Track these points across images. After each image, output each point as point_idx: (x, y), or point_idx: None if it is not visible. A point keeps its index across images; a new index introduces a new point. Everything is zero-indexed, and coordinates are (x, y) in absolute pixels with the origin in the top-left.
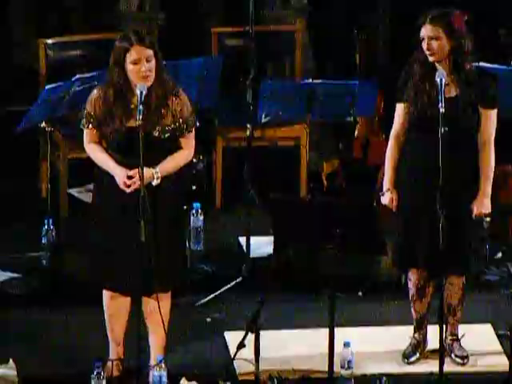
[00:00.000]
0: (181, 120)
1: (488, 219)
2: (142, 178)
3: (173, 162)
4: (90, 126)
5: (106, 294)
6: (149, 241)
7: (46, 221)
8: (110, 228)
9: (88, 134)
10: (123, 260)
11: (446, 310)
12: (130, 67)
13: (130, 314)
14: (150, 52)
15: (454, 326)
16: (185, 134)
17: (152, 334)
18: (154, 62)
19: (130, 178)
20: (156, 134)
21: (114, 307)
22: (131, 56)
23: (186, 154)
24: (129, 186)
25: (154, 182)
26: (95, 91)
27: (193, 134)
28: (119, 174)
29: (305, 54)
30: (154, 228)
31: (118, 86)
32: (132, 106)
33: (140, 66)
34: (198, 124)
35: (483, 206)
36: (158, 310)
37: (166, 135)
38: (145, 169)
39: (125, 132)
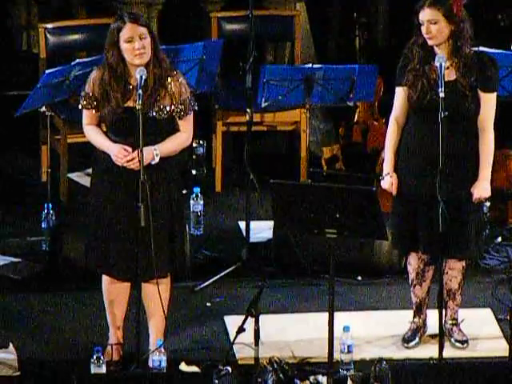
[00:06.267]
0: (179, 102)
1: (488, 203)
2: (141, 161)
3: (172, 144)
4: (89, 106)
5: (105, 278)
6: (147, 226)
7: (45, 205)
8: (108, 212)
9: (87, 116)
10: (121, 246)
11: (446, 294)
12: (124, 46)
13: (130, 299)
14: (144, 30)
15: (454, 311)
16: (183, 116)
17: (151, 319)
18: (148, 40)
19: (125, 150)
20: (153, 114)
21: (114, 292)
22: (124, 34)
23: (184, 136)
24: (128, 161)
25: (154, 161)
26: (94, 72)
27: (191, 117)
28: (114, 149)
29: (305, 39)
30: (153, 213)
31: (113, 67)
32: (129, 87)
33: (134, 44)
34: (196, 107)
35: (483, 190)
36: (157, 295)
37: (163, 116)
38: (144, 147)
39: (122, 112)
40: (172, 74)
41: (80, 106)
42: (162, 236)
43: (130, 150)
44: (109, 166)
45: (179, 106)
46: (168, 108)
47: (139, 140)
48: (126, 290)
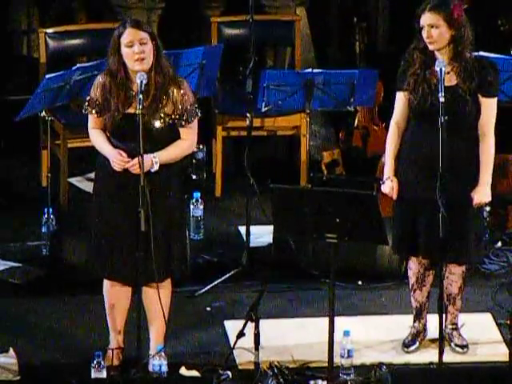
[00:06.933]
0: (181, 110)
1: (488, 208)
2: (142, 166)
3: (173, 151)
4: (92, 111)
5: (106, 283)
6: (148, 231)
7: (45, 210)
8: (109, 217)
9: (91, 120)
10: (122, 249)
11: (446, 299)
12: (124, 51)
13: (131, 303)
14: (144, 35)
15: (454, 315)
16: (186, 124)
17: (152, 323)
18: (149, 45)
19: (121, 155)
20: (155, 122)
21: (115, 296)
22: (125, 39)
23: (187, 144)
24: (124, 169)
25: (153, 169)
26: (99, 77)
27: (194, 124)
28: (112, 155)
29: (305, 44)
30: (153, 218)
31: (113, 73)
32: (132, 93)
33: (134, 48)
34: (200, 115)
35: (483, 194)
36: (158, 300)
37: (165, 124)
38: (144, 155)
39: (122, 118)
40: (175, 82)
41: (84, 111)
42: (162, 241)
43: (125, 154)
44: (111, 171)
45: (181, 114)
46: (170, 116)
47: (139, 146)
48: (127, 295)
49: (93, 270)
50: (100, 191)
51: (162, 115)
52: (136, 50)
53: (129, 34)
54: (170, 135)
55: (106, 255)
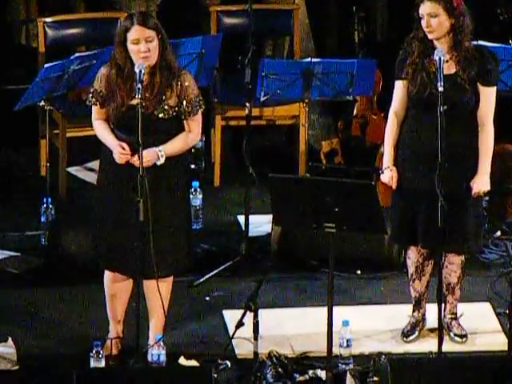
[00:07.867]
0: (185, 102)
1: (487, 197)
2: (140, 156)
3: (178, 144)
4: (96, 102)
5: (107, 273)
6: (150, 224)
7: (44, 199)
8: (111, 208)
9: (95, 111)
10: (124, 241)
11: (445, 288)
12: (130, 47)
13: (131, 293)
14: (151, 33)
15: (453, 305)
16: (190, 116)
17: (151, 314)
18: (155, 42)
19: (123, 148)
20: (159, 114)
21: (115, 287)
22: (131, 36)
23: (191, 136)
24: (127, 161)
25: (159, 162)
26: (102, 69)
27: (198, 117)
28: (114, 147)
29: (303, 33)
30: (157, 211)
31: (119, 65)
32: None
33: (139, 46)
34: (204, 107)
35: (482, 184)
36: (158, 291)
37: (169, 116)
38: (149, 149)
39: (126, 110)
40: (180, 74)
41: (88, 102)
42: (166, 235)
43: (126, 147)
44: (114, 162)
45: (185, 107)
46: (174, 108)
47: (139, 135)
48: (128, 286)
49: (98, 259)
50: (103, 182)
51: (166, 107)
52: (142, 48)
53: (135, 32)
54: (175, 127)
55: (107, 246)
